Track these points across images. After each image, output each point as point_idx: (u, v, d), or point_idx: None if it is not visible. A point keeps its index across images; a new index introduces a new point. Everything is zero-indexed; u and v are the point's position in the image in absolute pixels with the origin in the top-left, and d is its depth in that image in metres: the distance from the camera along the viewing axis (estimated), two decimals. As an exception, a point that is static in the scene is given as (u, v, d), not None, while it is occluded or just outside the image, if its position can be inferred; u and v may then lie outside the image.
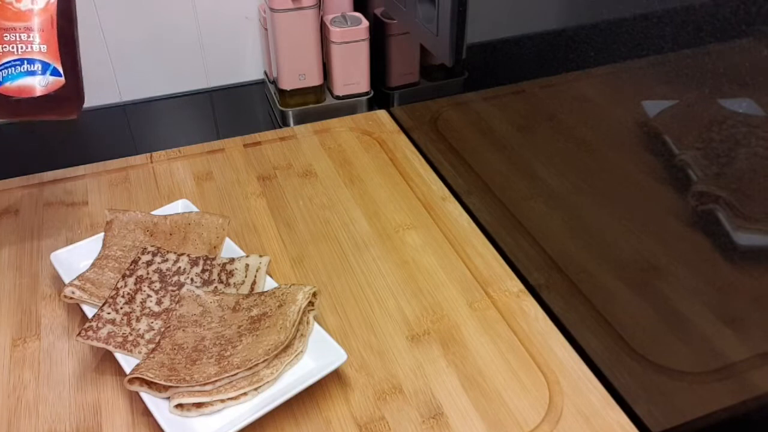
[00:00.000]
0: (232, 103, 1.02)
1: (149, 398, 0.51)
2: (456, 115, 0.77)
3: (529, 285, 0.65)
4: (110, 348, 0.55)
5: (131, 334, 0.56)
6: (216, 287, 0.61)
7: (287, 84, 0.91)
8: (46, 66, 0.47)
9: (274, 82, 0.94)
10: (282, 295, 0.58)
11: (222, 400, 0.52)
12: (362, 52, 0.89)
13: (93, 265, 0.62)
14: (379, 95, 0.95)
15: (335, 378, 0.56)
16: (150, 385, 0.51)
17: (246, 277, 0.61)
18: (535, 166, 0.62)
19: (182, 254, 0.62)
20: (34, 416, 0.53)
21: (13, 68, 0.47)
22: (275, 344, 0.54)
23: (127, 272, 0.60)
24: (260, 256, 0.63)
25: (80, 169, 0.81)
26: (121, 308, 0.57)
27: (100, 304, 0.57)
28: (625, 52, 0.46)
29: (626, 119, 0.48)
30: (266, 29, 0.91)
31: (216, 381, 0.52)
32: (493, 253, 0.69)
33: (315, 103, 0.93)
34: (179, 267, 0.61)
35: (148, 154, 0.83)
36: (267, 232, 0.71)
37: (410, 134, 0.88)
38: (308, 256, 0.68)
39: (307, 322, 0.57)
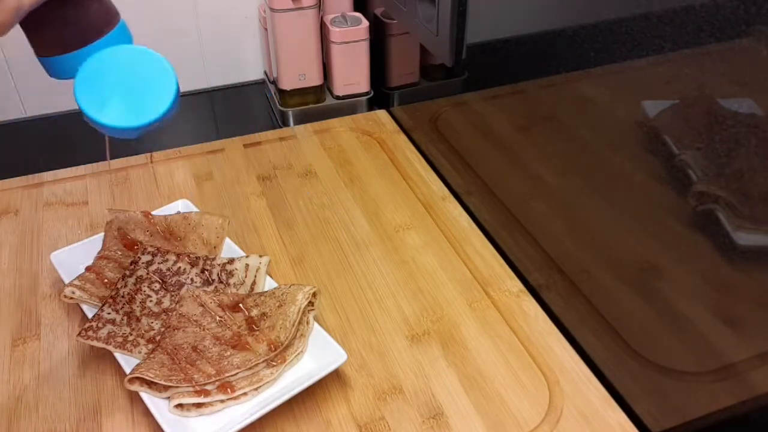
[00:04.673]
0: (232, 103, 1.02)
1: (149, 398, 0.51)
2: (456, 115, 0.77)
3: (529, 285, 0.65)
4: (110, 348, 0.55)
5: (131, 334, 0.56)
6: (216, 287, 0.61)
7: (287, 84, 0.91)
8: None
9: (274, 82, 0.94)
10: (282, 295, 0.58)
11: (222, 400, 0.52)
12: (362, 52, 0.89)
13: (93, 265, 0.62)
14: (379, 95, 0.95)
15: (335, 378, 0.56)
16: (150, 385, 0.51)
17: (246, 277, 0.61)
18: (535, 166, 0.62)
19: (182, 254, 0.62)
20: (34, 416, 0.53)
21: None
22: (275, 344, 0.54)
23: (127, 272, 0.60)
24: (260, 256, 0.63)
25: (80, 169, 0.80)
26: (121, 308, 0.57)
27: (100, 304, 0.57)
28: (625, 52, 0.46)
29: (626, 119, 0.48)
30: (266, 29, 0.91)
31: (216, 381, 0.52)
32: (493, 253, 0.69)
33: (315, 103, 0.93)
34: (179, 267, 0.61)
35: (148, 154, 0.83)
36: (267, 232, 0.71)
37: (410, 134, 0.88)
38: (308, 256, 0.68)
39: (307, 322, 0.57)
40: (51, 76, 0.47)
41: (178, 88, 0.47)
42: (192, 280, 0.61)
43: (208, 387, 0.52)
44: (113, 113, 0.45)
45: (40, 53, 0.46)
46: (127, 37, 0.49)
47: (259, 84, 1.05)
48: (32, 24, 0.44)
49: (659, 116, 0.45)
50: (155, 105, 0.46)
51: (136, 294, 0.59)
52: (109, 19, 0.47)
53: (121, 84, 0.46)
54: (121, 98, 0.46)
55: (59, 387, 0.55)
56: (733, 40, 0.37)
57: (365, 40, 0.88)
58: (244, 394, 0.52)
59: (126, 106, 0.45)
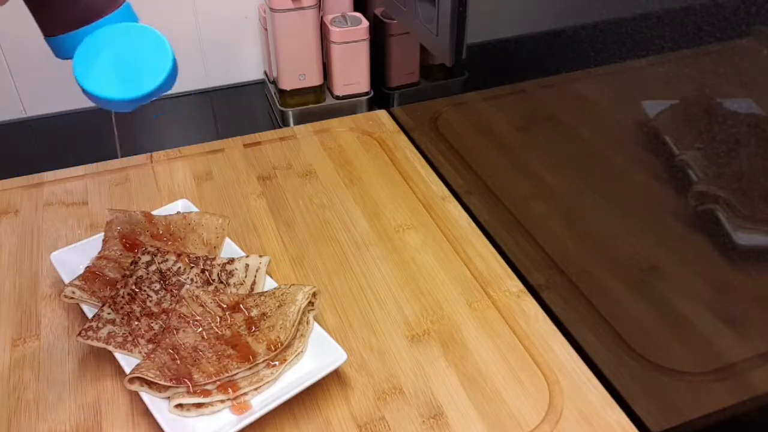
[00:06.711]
0: (232, 103, 1.02)
1: (149, 398, 0.51)
2: (456, 115, 0.77)
3: (529, 285, 0.65)
4: (110, 348, 0.55)
5: (131, 334, 0.56)
6: (216, 287, 0.61)
7: (287, 84, 0.91)
8: None
9: (274, 82, 0.94)
10: (282, 295, 0.58)
11: (222, 401, 0.52)
12: (362, 52, 0.89)
13: (93, 265, 0.62)
14: (379, 95, 0.95)
15: (335, 378, 0.56)
16: (150, 385, 0.51)
17: (246, 277, 0.61)
18: (535, 166, 0.62)
19: (182, 254, 0.62)
20: (34, 416, 0.53)
21: None
22: (275, 344, 0.54)
23: (127, 272, 0.60)
24: (260, 256, 0.63)
25: (80, 169, 0.80)
26: (121, 308, 0.57)
27: (100, 304, 0.57)
28: (625, 52, 0.46)
29: (626, 119, 0.48)
30: (266, 29, 0.91)
31: (216, 381, 0.52)
32: (493, 253, 0.69)
33: (315, 103, 0.93)
34: (179, 267, 0.61)
35: (148, 154, 0.83)
36: (267, 232, 0.71)
37: (410, 134, 0.88)
38: (308, 256, 0.68)
39: (307, 322, 0.57)
40: (57, 56, 0.49)
41: (174, 63, 0.49)
42: (192, 280, 0.61)
43: (208, 387, 0.52)
44: (107, 86, 0.48)
45: (45, 33, 0.48)
46: (131, 17, 0.51)
47: (259, 84, 1.05)
48: (36, 3, 0.47)
49: (659, 116, 0.45)
50: (149, 79, 0.48)
51: (136, 294, 0.59)
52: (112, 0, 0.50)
53: (117, 59, 0.48)
54: (117, 72, 0.48)
55: (59, 387, 0.55)
56: (733, 40, 0.37)
57: (365, 40, 0.88)
58: (244, 394, 0.52)
59: (120, 80, 0.48)
